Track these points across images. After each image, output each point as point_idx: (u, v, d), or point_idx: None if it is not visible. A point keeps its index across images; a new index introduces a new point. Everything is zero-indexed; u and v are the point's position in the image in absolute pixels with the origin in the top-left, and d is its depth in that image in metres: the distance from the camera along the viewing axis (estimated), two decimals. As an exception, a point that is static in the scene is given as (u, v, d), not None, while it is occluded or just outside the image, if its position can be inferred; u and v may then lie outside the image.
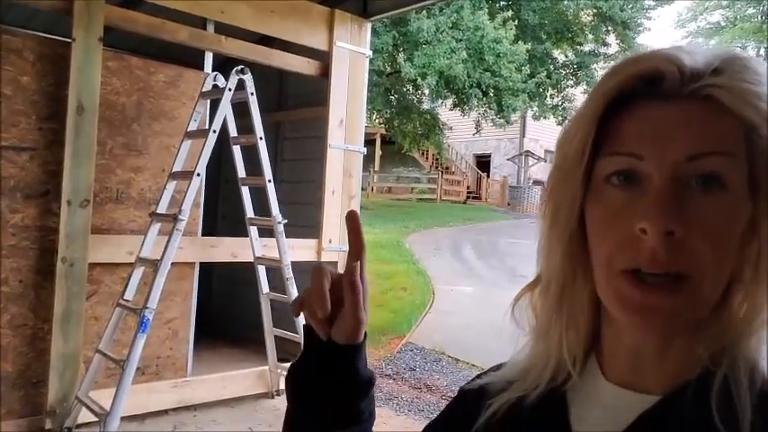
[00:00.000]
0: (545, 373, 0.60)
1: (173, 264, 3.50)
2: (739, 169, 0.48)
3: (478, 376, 0.69)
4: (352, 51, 4.70)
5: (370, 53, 4.92)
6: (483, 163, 23.26)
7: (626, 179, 0.51)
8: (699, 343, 0.52)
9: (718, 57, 0.51)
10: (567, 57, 16.74)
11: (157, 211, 3.62)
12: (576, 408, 0.58)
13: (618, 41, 16.69)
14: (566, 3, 15.36)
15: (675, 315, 0.50)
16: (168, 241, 3.39)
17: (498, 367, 0.67)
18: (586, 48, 16.80)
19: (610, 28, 16.38)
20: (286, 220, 3.89)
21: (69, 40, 3.44)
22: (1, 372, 3.36)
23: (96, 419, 3.29)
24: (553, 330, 0.59)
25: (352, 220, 0.65)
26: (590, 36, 16.48)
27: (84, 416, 3.42)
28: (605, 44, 16.93)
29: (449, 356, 5.76)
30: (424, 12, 11.86)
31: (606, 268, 0.52)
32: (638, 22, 16.71)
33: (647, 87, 0.51)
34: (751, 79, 0.49)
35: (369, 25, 4.87)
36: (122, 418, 3.16)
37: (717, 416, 0.47)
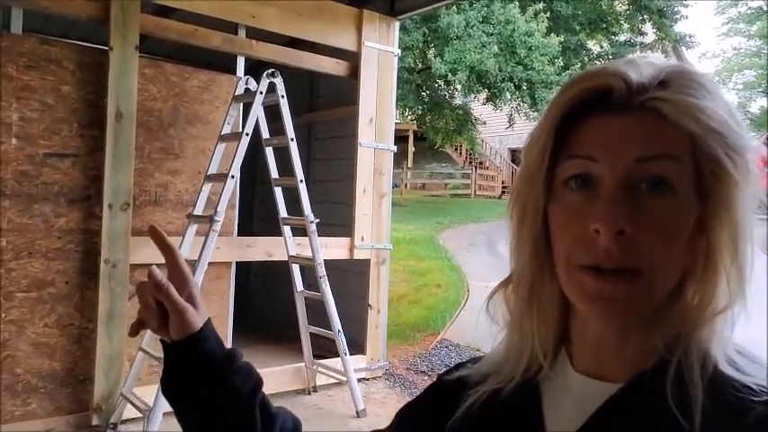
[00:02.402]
0: (519, 366, 0.63)
1: (210, 263, 3.59)
2: (686, 174, 0.52)
3: (456, 367, 0.73)
4: (381, 51, 4.73)
5: (399, 52, 4.94)
6: (518, 157, 22.98)
7: (582, 183, 0.55)
8: (655, 333, 0.55)
9: (664, 70, 0.54)
10: (601, 47, 16.41)
11: (194, 213, 3.72)
12: (547, 397, 0.62)
13: (654, 30, 16.29)
14: (599, -8, 15.07)
15: (630, 304, 0.53)
16: (205, 242, 3.48)
17: (477, 360, 0.71)
18: (622, 38, 16.43)
19: (646, 17, 15.98)
20: (318, 220, 3.94)
21: (107, 48, 3.56)
22: (50, 370, 3.51)
23: (140, 415, 3.41)
24: (525, 325, 0.63)
25: (152, 234, 0.73)
26: (625, 26, 16.12)
27: (129, 412, 3.54)
28: (641, 33, 16.55)
29: (484, 353, 5.74)
30: (454, 7, 11.80)
31: (566, 264, 0.56)
32: (675, 9, 16.28)
33: (600, 99, 0.55)
34: (695, 93, 0.52)
35: (397, 24, 4.89)
36: (165, 414, 3.25)
37: (672, 400, 0.51)
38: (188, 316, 0.70)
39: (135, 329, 0.74)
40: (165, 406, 3.26)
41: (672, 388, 0.51)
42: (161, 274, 0.70)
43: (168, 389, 0.73)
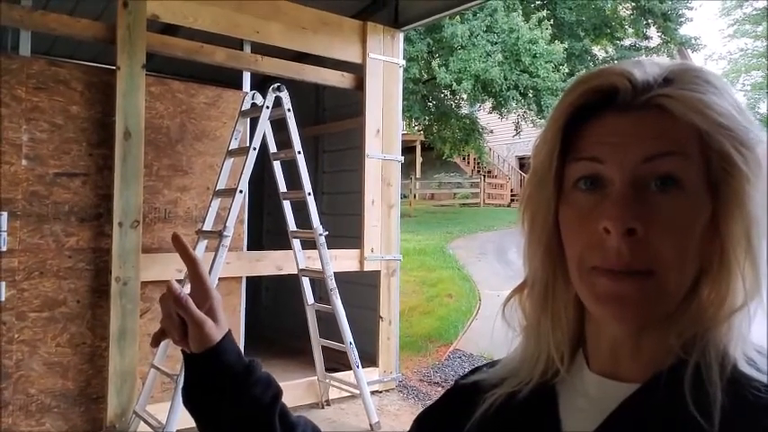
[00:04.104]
0: (536, 370, 0.63)
1: (220, 279, 3.60)
2: (695, 170, 0.52)
3: (473, 371, 0.72)
4: (386, 62, 4.75)
5: (404, 63, 4.96)
6: (526, 165, 22.98)
7: (592, 184, 0.55)
8: (671, 333, 0.54)
9: (668, 68, 0.54)
10: (606, 52, 16.40)
11: (203, 229, 3.73)
12: (564, 399, 0.61)
13: (659, 34, 16.26)
14: (602, -2, 15.09)
15: (642, 304, 0.52)
16: (215, 257, 3.49)
17: (493, 364, 0.70)
18: (626, 42, 16.43)
19: (650, 20, 15.96)
20: (327, 232, 3.94)
21: (114, 68, 3.59)
22: (63, 389, 3.52)
23: (153, 433, 3.40)
24: (541, 329, 0.62)
25: (176, 243, 0.74)
26: (630, 30, 16.12)
27: (142, 429, 3.53)
28: (646, 37, 16.51)
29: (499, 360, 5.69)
30: (458, 17, 11.84)
31: (578, 266, 0.55)
32: (680, 12, 16.25)
33: (605, 100, 0.55)
34: (700, 89, 0.52)
35: (401, 35, 4.91)
36: (178, 431, 3.25)
37: (690, 400, 0.50)
38: (206, 329, 0.71)
39: (156, 339, 0.75)
40: (178, 423, 3.25)
41: (690, 388, 0.51)
42: (180, 288, 0.71)
43: (189, 399, 0.75)
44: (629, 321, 0.55)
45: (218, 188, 3.79)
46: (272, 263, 4.35)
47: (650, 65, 0.55)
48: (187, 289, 0.74)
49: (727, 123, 0.51)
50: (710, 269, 0.54)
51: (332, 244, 4.07)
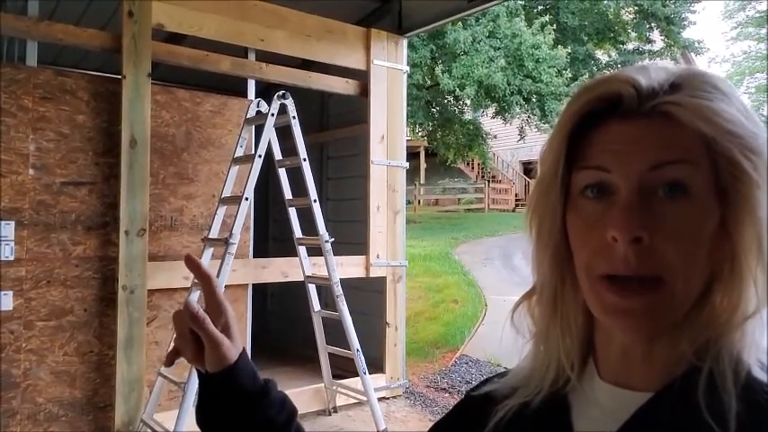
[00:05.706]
0: (546, 379, 0.62)
1: (226, 286, 3.60)
2: (702, 177, 0.51)
3: (484, 382, 0.72)
4: (390, 68, 4.76)
5: (408, 69, 4.97)
6: (530, 169, 22.93)
7: (599, 191, 0.54)
8: (683, 340, 0.54)
9: (675, 74, 0.54)
10: (610, 57, 16.41)
11: (209, 236, 3.73)
12: (576, 409, 0.60)
13: (662, 38, 16.26)
14: (605, 3, 15.09)
15: (651, 315, 0.52)
16: (221, 265, 3.49)
17: (503, 374, 0.70)
18: (630, 46, 16.43)
19: (653, 24, 15.97)
20: (333, 239, 3.94)
21: (120, 77, 3.61)
22: (71, 398, 3.52)
23: (161, 441, 3.40)
24: (551, 336, 0.62)
25: (189, 264, 0.72)
26: (633, 34, 16.12)
27: (150, 438, 3.53)
28: (649, 41, 16.51)
29: (504, 368, 5.66)
30: (460, 23, 11.87)
31: (587, 274, 0.55)
32: (683, 16, 16.24)
33: (611, 107, 0.54)
34: (708, 96, 0.51)
35: (404, 41, 4.92)
36: (185, 439, 3.24)
37: (704, 408, 0.49)
38: (223, 350, 0.70)
39: (170, 359, 0.74)
40: (185, 431, 3.25)
41: (704, 395, 0.50)
42: (197, 307, 0.70)
43: (203, 419, 0.74)
44: (638, 333, 0.55)
45: (223, 196, 3.80)
46: (278, 270, 4.35)
47: (656, 70, 0.54)
48: (194, 297, 0.73)
49: (736, 130, 0.51)
50: (722, 275, 0.53)
51: (337, 250, 4.07)
